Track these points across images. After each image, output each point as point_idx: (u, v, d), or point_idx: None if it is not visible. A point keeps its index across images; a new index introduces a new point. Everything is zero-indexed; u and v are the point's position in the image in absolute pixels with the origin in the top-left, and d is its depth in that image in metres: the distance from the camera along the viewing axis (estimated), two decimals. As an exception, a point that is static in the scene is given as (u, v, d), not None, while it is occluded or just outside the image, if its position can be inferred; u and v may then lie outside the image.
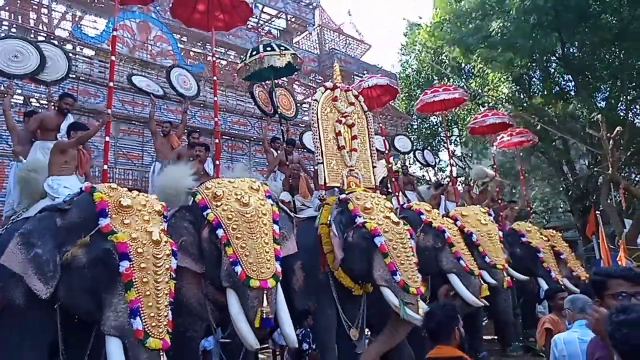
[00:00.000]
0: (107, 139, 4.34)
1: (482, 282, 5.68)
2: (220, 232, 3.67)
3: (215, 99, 5.17)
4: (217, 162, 4.84)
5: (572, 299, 3.19)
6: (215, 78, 5.37)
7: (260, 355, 6.82)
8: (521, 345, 6.96)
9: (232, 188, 3.95)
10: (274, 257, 3.69)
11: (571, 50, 14.35)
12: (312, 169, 6.42)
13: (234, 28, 6.37)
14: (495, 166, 10.43)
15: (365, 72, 14.10)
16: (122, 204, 3.32)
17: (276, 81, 7.38)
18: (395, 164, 8.96)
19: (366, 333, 5.31)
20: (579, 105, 13.18)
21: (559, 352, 2.30)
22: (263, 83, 7.46)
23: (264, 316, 3.42)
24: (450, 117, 15.36)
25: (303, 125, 11.00)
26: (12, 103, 7.38)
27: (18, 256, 3.21)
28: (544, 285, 7.02)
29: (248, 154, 10.72)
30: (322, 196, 5.29)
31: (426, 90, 8.99)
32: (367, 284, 4.91)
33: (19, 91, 7.66)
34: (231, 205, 3.79)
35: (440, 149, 17.81)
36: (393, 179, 7.44)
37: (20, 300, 3.35)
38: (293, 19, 15.11)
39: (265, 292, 3.47)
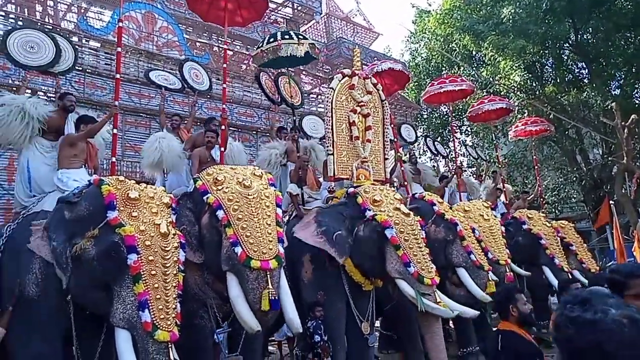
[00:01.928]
0: (115, 131, 4.31)
1: (490, 278, 5.60)
2: (220, 213, 3.59)
3: (224, 86, 5.12)
4: (222, 150, 4.79)
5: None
6: (224, 65, 5.31)
7: (269, 347, 6.84)
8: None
9: (233, 174, 3.91)
10: (277, 239, 3.61)
11: (585, 36, 14.05)
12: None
13: (250, 23, 6.28)
14: (497, 155, 10.28)
15: (374, 60, 13.90)
16: (130, 197, 3.35)
17: (284, 70, 7.28)
18: (405, 155, 8.82)
19: (376, 326, 5.29)
20: (593, 93, 12.93)
21: None
22: (269, 71, 7.35)
23: (271, 297, 3.31)
24: (461, 107, 15.15)
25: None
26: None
27: (46, 247, 3.39)
28: (549, 275, 6.93)
29: (255, 145, 10.65)
30: (332, 188, 5.22)
31: (433, 81, 8.81)
32: (376, 279, 4.86)
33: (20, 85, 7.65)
34: (232, 188, 3.73)
35: (451, 139, 17.61)
36: (402, 169, 7.32)
37: (33, 292, 3.41)
38: (299, 8, 14.90)
39: (268, 273, 3.39)
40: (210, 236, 3.72)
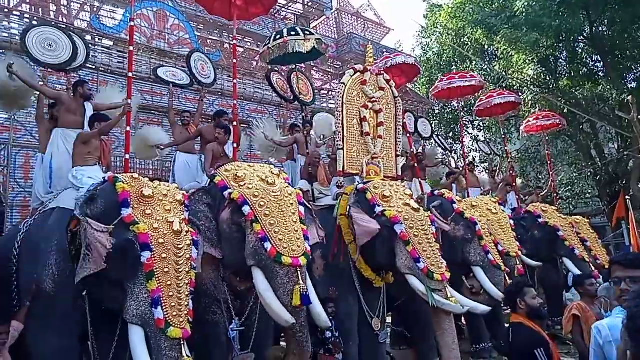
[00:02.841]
0: (128, 128, 4.36)
1: (506, 277, 5.56)
2: (246, 209, 3.56)
3: (235, 81, 5.12)
4: (235, 146, 4.81)
5: (608, 286, 3.09)
6: (234, 61, 5.31)
7: (282, 343, 6.87)
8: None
9: (253, 171, 3.92)
10: (303, 236, 3.63)
11: (600, 29, 13.73)
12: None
13: (256, 17, 6.29)
14: (507, 149, 10.15)
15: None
16: (144, 194, 3.36)
17: (294, 66, 7.28)
18: (418, 150, 8.78)
19: (387, 321, 5.29)
20: (608, 87, 12.68)
21: (604, 338, 2.12)
22: (279, 69, 7.36)
23: (303, 292, 3.33)
24: (472, 102, 14.99)
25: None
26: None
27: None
28: (571, 266, 6.82)
29: (266, 142, 10.66)
30: (340, 183, 5.21)
31: (442, 77, 8.75)
32: (387, 275, 4.85)
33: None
34: (256, 184, 3.72)
35: (463, 134, 17.46)
36: (415, 164, 7.28)
37: (50, 287, 3.45)
38: (310, 4, 14.86)
39: (298, 269, 3.41)
40: (231, 232, 3.70)
